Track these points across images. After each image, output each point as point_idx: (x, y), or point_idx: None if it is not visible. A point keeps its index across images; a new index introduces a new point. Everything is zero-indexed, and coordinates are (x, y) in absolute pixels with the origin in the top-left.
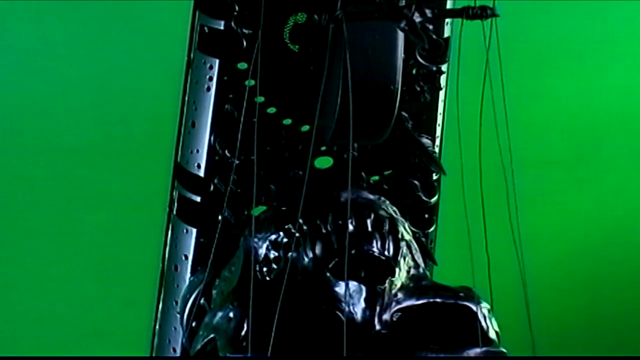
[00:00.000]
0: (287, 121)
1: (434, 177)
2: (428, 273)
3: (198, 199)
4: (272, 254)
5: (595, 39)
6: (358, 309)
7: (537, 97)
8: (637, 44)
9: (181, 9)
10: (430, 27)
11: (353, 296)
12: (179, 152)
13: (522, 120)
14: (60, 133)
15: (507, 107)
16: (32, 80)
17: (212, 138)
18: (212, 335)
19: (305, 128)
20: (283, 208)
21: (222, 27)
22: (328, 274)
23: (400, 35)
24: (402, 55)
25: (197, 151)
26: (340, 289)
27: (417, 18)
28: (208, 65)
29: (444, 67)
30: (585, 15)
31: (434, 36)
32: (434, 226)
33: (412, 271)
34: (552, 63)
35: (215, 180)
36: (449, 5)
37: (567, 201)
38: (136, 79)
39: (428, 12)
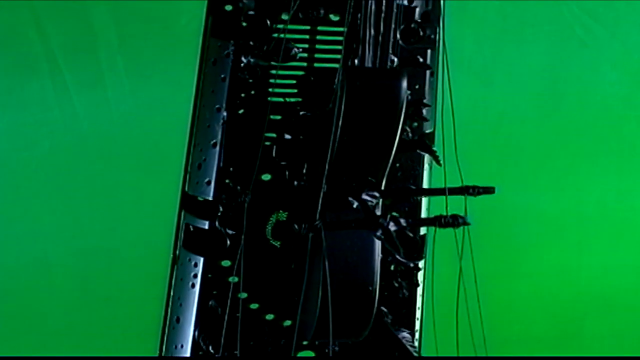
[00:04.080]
0: (270, 316)
1: None
2: None
3: None
4: None
5: (571, 219)
6: None
7: (516, 276)
8: (612, 224)
9: (168, 204)
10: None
11: None
12: (164, 347)
13: (502, 298)
14: (45, 315)
15: (486, 287)
16: (18, 262)
17: (196, 333)
18: None
19: (288, 323)
20: None
21: (206, 227)
22: None
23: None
24: (380, 256)
25: (182, 346)
26: None
27: (393, 227)
28: (193, 263)
29: (420, 264)
30: (561, 195)
31: (411, 234)
32: None
33: None
34: (531, 242)
35: None
36: (423, 215)
37: None
38: (122, 266)
39: (403, 222)
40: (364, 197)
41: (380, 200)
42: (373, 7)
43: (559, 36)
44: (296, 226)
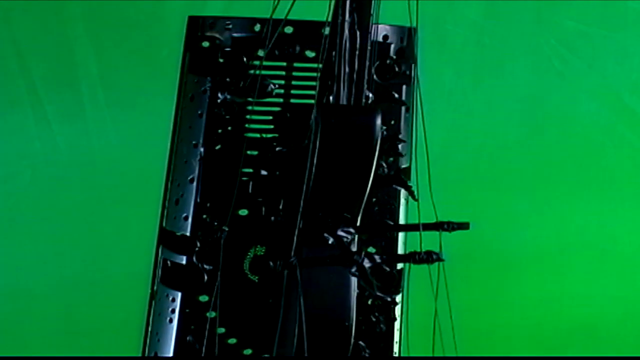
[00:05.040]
0: (248, 351)
1: None
2: None
3: None
4: None
5: (552, 249)
6: None
7: (497, 306)
8: (593, 254)
9: (150, 235)
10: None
11: None
12: None
13: (483, 329)
14: (26, 346)
15: (468, 316)
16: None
17: None
18: None
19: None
20: None
21: (184, 262)
22: None
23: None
24: (357, 291)
25: None
26: None
27: (367, 264)
28: (170, 298)
29: (398, 298)
30: (541, 225)
31: (387, 268)
32: None
33: None
34: (511, 272)
35: None
36: (399, 248)
37: None
38: (103, 297)
39: (377, 258)
40: (340, 233)
41: (356, 235)
42: (347, 44)
43: (537, 68)
44: (271, 263)
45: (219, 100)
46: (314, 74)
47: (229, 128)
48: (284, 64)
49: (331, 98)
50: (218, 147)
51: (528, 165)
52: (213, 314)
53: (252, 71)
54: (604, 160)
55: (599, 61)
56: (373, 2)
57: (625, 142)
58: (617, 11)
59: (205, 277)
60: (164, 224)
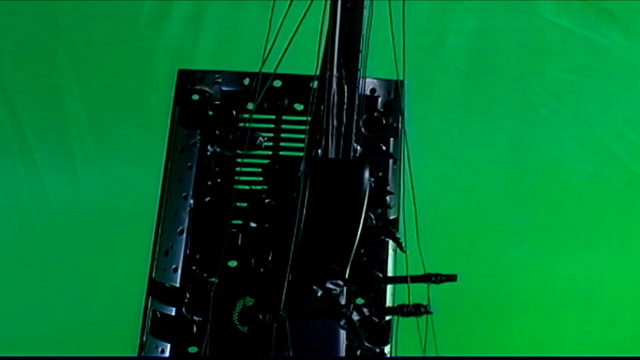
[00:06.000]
0: None
1: None
2: None
3: None
4: None
5: (540, 295)
6: None
7: (486, 352)
8: (580, 300)
9: (137, 284)
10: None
11: None
12: None
13: None
14: None
15: None
16: None
17: None
18: None
19: None
20: None
21: (173, 313)
22: None
23: None
24: (345, 342)
25: None
26: None
27: (356, 317)
28: (160, 349)
29: (386, 349)
30: (529, 271)
31: (376, 320)
32: None
33: None
34: (500, 318)
35: None
36: (388, 299)
37: None
38: (90, 346)
39: (366, 311)
40: (328, 285)
41: (345, 287)
42: (336, 98)
43: (523, 116)
44: (261, 316)
45: (208, 153)
46: (303, 127)
47: (219, 180)
48: (273, 117)
49: (319, 151)
50: (208, 199)
51: (515, 213)
52: None
53: (241, 124)
54: (591, 207)
55: (585, 109)
56: (360, 56)
57: (611, 189)
58: (601, 60)
59: (195, 329)
60: (153, 275)
